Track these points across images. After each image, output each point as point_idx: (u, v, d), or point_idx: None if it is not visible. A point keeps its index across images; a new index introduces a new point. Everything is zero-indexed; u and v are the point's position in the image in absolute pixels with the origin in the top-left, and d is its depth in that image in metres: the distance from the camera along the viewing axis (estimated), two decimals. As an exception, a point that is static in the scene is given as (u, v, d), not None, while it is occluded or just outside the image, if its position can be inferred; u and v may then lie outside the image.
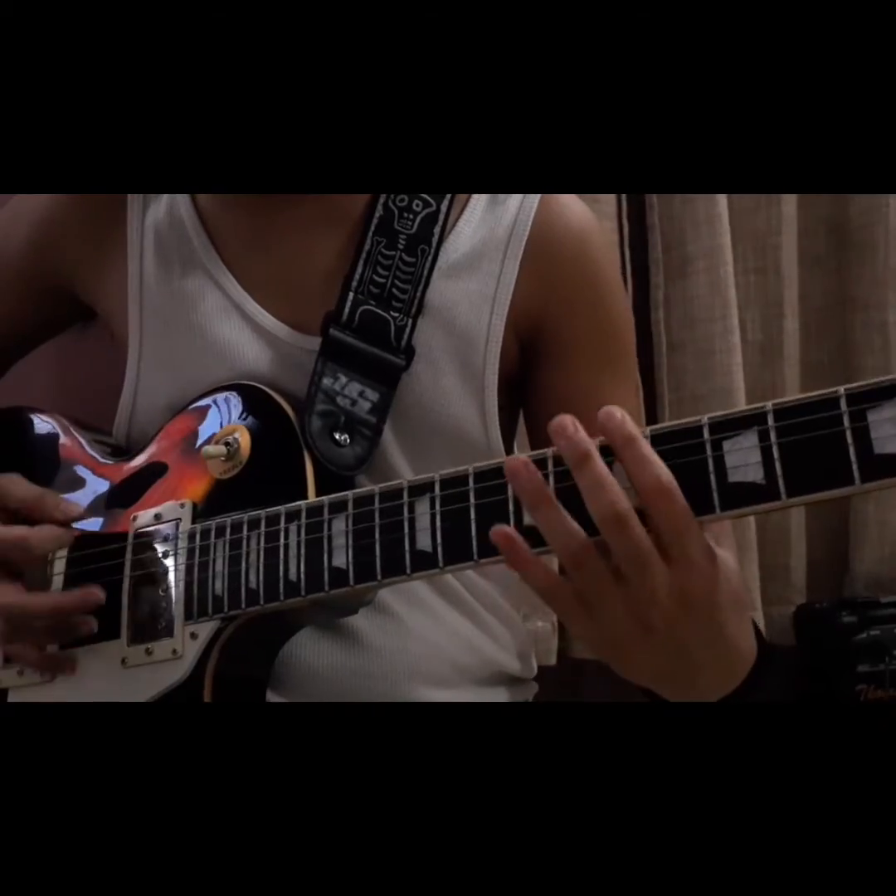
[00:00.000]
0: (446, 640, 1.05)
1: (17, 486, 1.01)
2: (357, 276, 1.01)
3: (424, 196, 1.03)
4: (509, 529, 0.72)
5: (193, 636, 0.92)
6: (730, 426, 0.70)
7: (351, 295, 1.01)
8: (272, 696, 0.98)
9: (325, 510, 0.86)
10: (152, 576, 0.96)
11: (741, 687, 0.77)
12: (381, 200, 1.03)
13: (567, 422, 0.70)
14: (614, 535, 0.69)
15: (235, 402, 0.99)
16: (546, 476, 0.73)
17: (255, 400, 0.99)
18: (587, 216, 1.08)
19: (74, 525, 1.02)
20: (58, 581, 1.00)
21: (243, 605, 0.89)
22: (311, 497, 0.91)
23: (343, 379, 0.99)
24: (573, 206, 1.07)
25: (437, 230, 1.02)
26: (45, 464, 1.08)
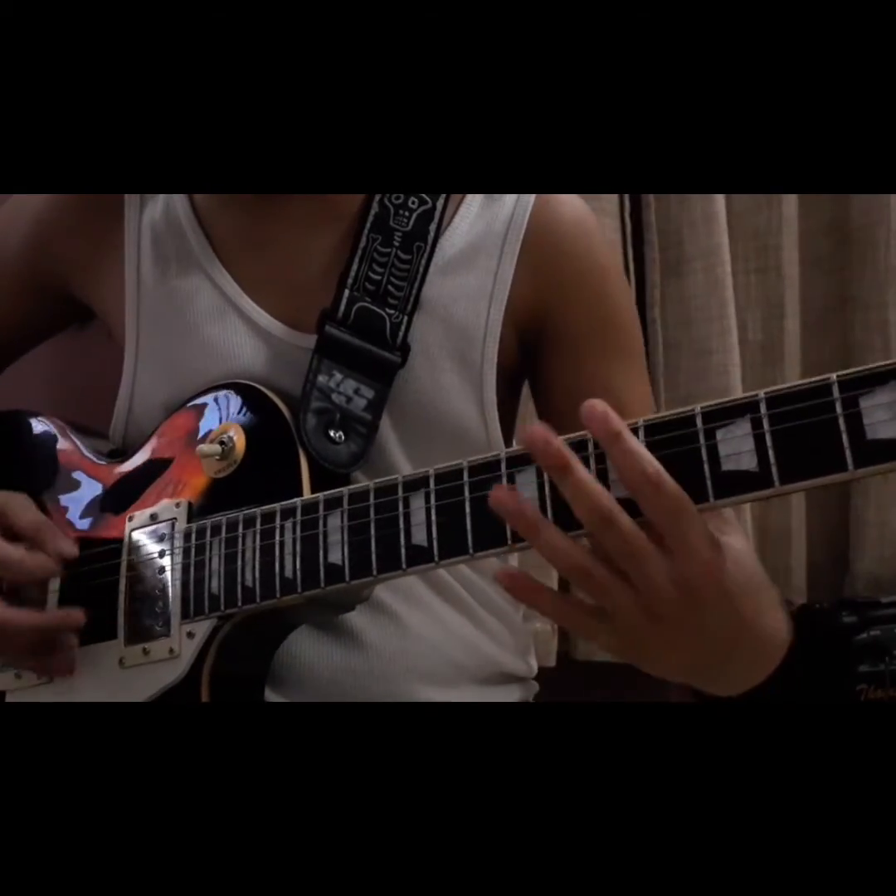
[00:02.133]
0: (445, 639, 1.04)
1: (23, 509, 1.00)
2: (352, 273, 1.01)
3: (420, 194, 1.03)
4: (510, 568, 0.73)
5: (190, 635, 0.92)
6: (723, 415, 0.70)
7: (346, 292, 1.00)
8: (271, 696, 0.98)
9: (321, 506, 0.86)
10: (149, 575, 0.96)
11: (778, 669, 0.78)
12: (377, 198, 1.03)
13: (537, 435, 0.70)
14: (603, 534, 0.69)
15: (230, 400, 0.99)
16: (540, 485, 0.75)
17: (249, 398, 0.98)
18: (583, 209, 1.08)
19: (73, 525, 1.03)
20: (54, 582, 1.00)
21: (239, 603, 0.89)
22: (306, 495, 0.91)
23: (338, 376, 0.99)
24: (569, 200, 1.07)
25: (432, 227, 1.03)
26: (41, 467, 1.08)
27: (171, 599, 0.93)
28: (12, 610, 0.97)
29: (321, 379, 0.98)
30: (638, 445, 0.68)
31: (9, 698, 1.01)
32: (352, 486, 0.86)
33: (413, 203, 1.03)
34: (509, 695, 1.10)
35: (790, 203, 1.70)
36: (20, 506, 1.00)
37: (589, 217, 1.09)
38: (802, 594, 1.65)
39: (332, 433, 0.96)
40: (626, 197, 1.65)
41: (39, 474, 1.08)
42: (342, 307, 1.00)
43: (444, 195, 1.04)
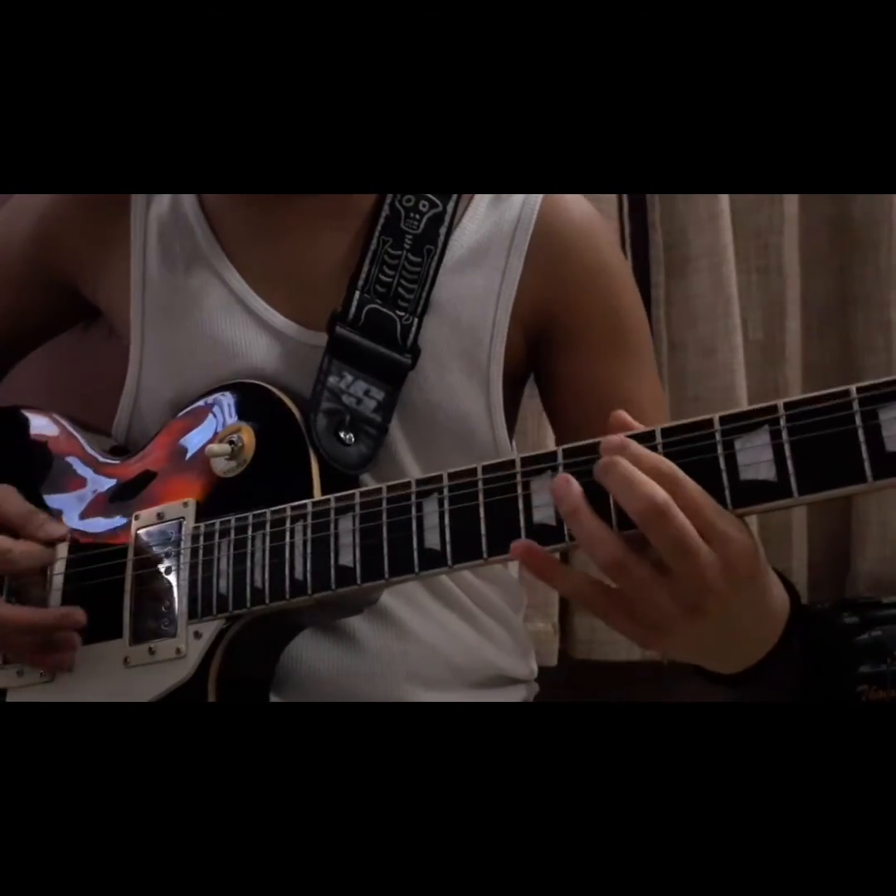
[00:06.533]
0: (445, 643, 1.05)
1: (8, 500, 1.01)
2: (363, 276, 1.01)
3: (430, 196, 1.03)
4: (526, 542, 0.72)
5: (197, 635, 0.91)
6: (742, 424, 0.70)
7: (357, 294, 1.01)
8: (272, 698, 0.98)
9: (332, 509, 0.86)
10: (155, 575, 0.95)
11: (781, 639, 0.79)
12: (388, 200, 1.03)
13: (616, 420, 0.73)
14: (656, 528, 0.68)
15: (239, 400, 0.99)
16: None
17: (259, 398, 0.98)
18: (590, 210, 1.09)
19: (77, 524, 1.02)
20: (58, 581, 1.00)
21: (248, 604, 0.89)
22: (317, 496, 0.91)
23: (349, 377, 0.99)
24: (577, 201, 1.08)
25: (443, 231, 1.03)
26: (44, 463, 1.08)
27: (177, 599, 0.93)
28: (11, 607, 0.97)
29: (332, 380, 0.98)
30: (642, 450, 0.70)
31: (11, 696, 1.00)
32: (364, 488, 0.86)
33: (424, 206, 1.03)
34: (509, 697, 1.11)
35: (791, 202, 1.70)
36: (5, 498, 1.00)
37: (596, 218, 1.10)
38: (804, 595, 1.65)
39: (342, 434, 0.96)
40: (625, 198, 1.64)
41: (42, 471, 1.07)
42: (352, 309, 1.00)
43: (454, 198, 1.04)
